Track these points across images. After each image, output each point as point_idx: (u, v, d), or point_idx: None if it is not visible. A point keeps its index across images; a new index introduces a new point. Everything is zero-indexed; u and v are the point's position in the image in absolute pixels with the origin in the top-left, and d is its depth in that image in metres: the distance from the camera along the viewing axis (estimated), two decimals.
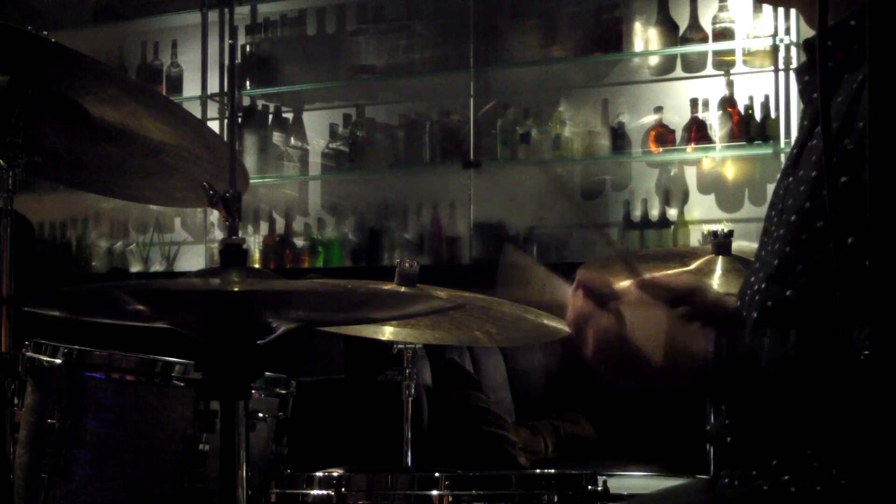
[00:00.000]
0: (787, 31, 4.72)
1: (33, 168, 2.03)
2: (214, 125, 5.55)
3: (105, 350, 1.99)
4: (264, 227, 5.72)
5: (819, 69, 0.95)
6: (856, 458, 1.36)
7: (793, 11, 4.59)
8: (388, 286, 2.27)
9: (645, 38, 5.02)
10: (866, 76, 1.43)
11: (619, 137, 5.04)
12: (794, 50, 4.74)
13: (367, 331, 2.32)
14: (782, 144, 4.69)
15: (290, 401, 2.16)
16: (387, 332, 2.31)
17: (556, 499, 1.85)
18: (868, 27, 0.85)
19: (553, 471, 1.99)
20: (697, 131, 4.85)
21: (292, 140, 5.65)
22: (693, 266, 2.61)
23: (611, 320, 1.48)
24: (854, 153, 1.41)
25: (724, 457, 1.62)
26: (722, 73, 4.91)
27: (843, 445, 1.40)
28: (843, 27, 1.49)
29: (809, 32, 1.74)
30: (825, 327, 1.41)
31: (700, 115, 4.85)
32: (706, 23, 4.90)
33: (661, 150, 4.95)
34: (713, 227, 3.80)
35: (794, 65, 4.71)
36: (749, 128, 4.76)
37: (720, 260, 2.59)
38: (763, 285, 1.55)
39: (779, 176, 1.67)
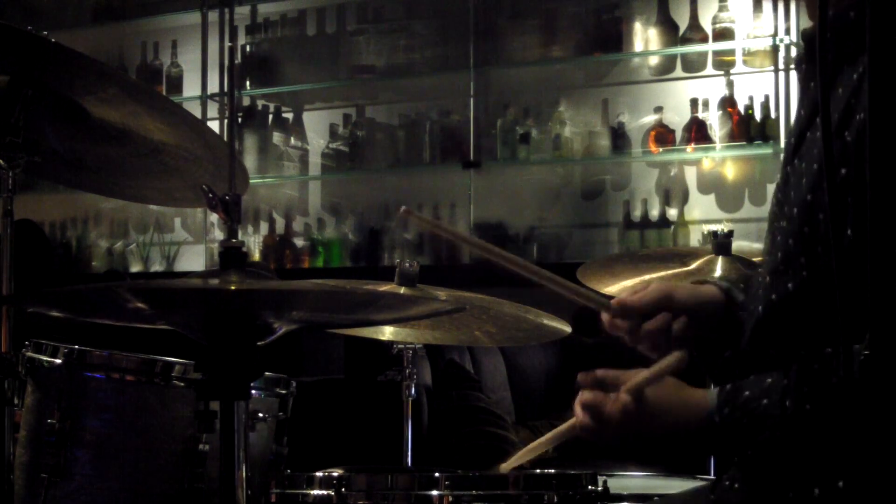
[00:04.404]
0: (787, 31, 4.71)
1: (33, 168, 2.03)
2: (214, 125, 5.55)
3: (105, 350, 1.99)
4: (264, 227, 5.72)
5: (819, 65, 0.95)
6: (854, 463, 1.37)
7: (793, 9, 4.59)
8: (388, 286, 2.27)
9: (645, 38, 5.02)
10: (866, 68, 1.43)
11: (619, 137, 5.04)
12: (794, 50, 4.74)
13: (367, 331, 2.32)
14: (782, 144, 4.68)
15: (290, 401, 2.16)
16: (387, 332, 2.31)
17: (556, 499, 1.85)
18: (868, 23, 0.85)
19: (553, 471, 1.98)
20: (697, 131, 4.85)
21: (292, 140, 5.65)
22: (693, 266, 2.60)
23: (619, 414, 1.55)
24: (853, 145, 1.41)
25: (725, 462, 1.64)
26: (722, 73, 4.91)
27: (844, 454, 1.41)
28: (842, 18, 1.47)
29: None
30: (817, 359, 1.42)
31: (700, 115, 4.85)
32: (706, 23, 4.90)
33: (661, 150, 4.95)
34: (713, 227, 3.80)
35: (794, 65, 4.70)
36: (749, 128, 4.76)
37: (720, 260, 2.59)
38: (768, 279, 1.55)
39: (774, 182, 1.68)
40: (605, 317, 1.69)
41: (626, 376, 1.57)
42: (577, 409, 1.59)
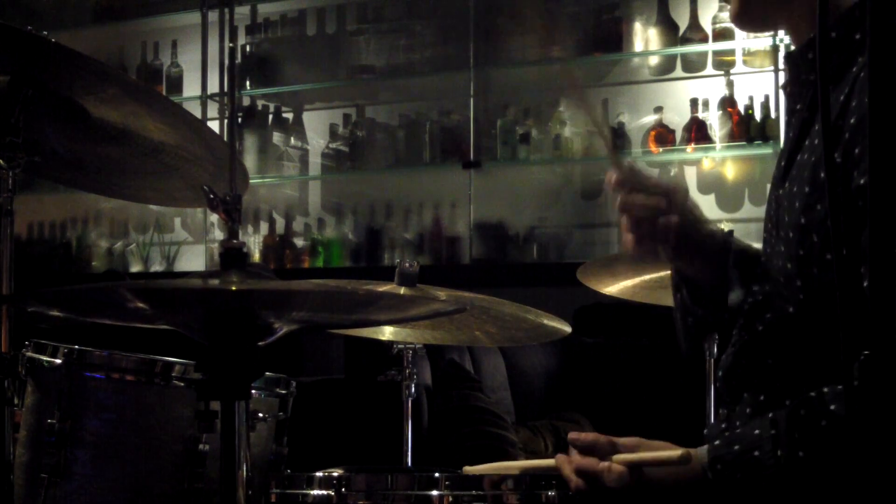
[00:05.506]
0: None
1: (33, 168, 2.03)
2: (214, 125, 5.55)
3: (105, 350, 1.99)
4: (264, 227, 5.72)
5: (819, 66, 0.95)
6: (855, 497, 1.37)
7: None
8: (388, 286, 2.27)
9: (645, 38, 5.02)
10: (851, 89, 1.44)
11: (619, 137, 5.04)
12: None
13: (367, 331, 2.32)
14: (782, 144, 4.67)
15: (290, 401, 2.16)
16: (387, 332, 2.31)
17: (556, 499, 1.85)
18: (868, 27, 0.85)
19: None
20: (697, 131, 4.85)
21: (292, 140, 5.65)
22: None
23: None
24: (842, 166, 1.41)
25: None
26: (722, 73, 4.91)
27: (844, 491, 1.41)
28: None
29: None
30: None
31: (700, 115, 4.85)
32: (706, 23, 4.90)
33: (661, 150, 4.95)
34: None
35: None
36: (749, 128, 4.77)
37: None
38: (766, 299, 1.56)
39: (769, 186, 1.69)
40: (610, 175, 1.70)
41: (620, 444, 1.56)
42: (570, 472, 1.58)
